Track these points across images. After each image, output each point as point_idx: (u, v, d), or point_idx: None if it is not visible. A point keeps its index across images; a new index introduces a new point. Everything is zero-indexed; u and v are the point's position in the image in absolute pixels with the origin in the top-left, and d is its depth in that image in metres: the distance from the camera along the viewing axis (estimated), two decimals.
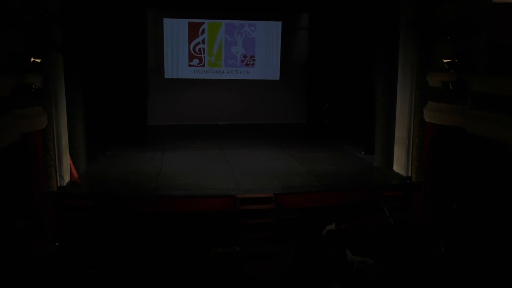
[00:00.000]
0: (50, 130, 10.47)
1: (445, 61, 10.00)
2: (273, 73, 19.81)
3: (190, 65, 19.25)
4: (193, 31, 19.03)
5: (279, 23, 19.41)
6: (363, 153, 14.46)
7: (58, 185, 10.68)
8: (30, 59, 9.10)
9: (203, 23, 18.99)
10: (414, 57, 11.48)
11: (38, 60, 9.28)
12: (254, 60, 19.63)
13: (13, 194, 9.19)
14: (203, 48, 19.23)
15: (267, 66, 19.72)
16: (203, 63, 19.33)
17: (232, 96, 19.61)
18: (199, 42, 19.16)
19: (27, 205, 9.90)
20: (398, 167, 12.29)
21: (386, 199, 11.12)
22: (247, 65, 19.62)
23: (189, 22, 18.88)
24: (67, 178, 11.04)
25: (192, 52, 19.18)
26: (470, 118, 9.98)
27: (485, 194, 9.96)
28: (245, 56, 19.55)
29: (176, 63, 19.14)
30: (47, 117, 10.33)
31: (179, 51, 19.08)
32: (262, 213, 10.47)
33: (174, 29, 18.87)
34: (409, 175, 11.85)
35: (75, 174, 11.33)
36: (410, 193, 11.55)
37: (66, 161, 11.06)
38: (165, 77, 19.11)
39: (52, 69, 10.35)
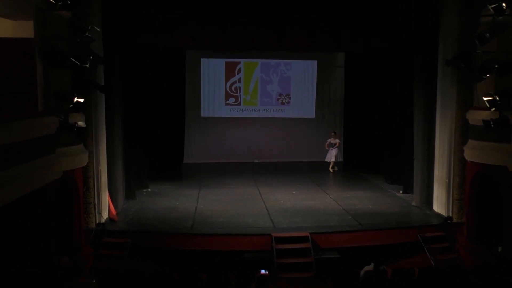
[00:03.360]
0: (91, 167, 10.76)
1: (485, 99, 9.89)
2: (309, 111, 19.90)
3: (226, 104, 19.56)
4: (230, 70, 19.42)
5: (315, 61, 19.61)
6: (401, 192, 14.23)
7: (97, 222, 10.87)
8: (74, 99, 9.45)
9: (239, 62, 19.38)
10: (453, 94, 11.40)
11: (81, 100, 9.60)
12: (290, 98, 19.79)
13: (54, 230, 9.40)
14: (239, 87, 19.56)
15: (302, 104, 19.84)
16: (239, 101, 19.62)
17: (267, 134, 19.73)
18: (235, 81, 19.51)
19: (68, 241, 10.10)
20: (438, 206, 12.02)
21: (427, 240, 10.86)
22: (282, 103, 19.80)
23: (225, 62, 19.29)
24: (105, 215, 11.23)
25: (228, 90, 19.52)
26: None
27: None
28: (280, 95, 19.76)
29: (213, 102, 19.49)
30: (88, 155, 10.63)
31: (216, 90, 19.44)
32: (299, 252, 10.35)
33: (211, 69, 19.30)
34: (450, 215, 11.57)
35: (113, 211, 11.51)
36: (452, 234, 11.26)
37: (105, 198, 11.28)
38: (202, 115, 19.44)
39: (94, 108, 10.73)
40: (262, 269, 9.06)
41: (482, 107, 10.38)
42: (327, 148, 17.86)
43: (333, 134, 17.95)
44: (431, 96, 12.27)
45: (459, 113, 11.34)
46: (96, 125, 10.84)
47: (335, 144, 17.70)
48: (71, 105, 9.42)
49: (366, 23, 12.61)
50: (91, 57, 9.68)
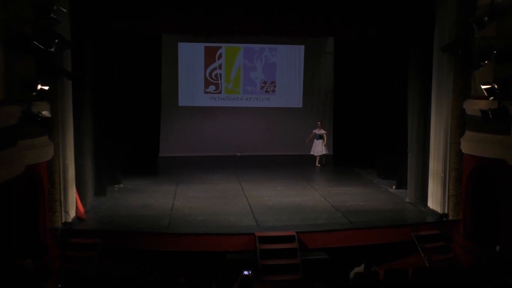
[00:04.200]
0: (57, 161, 10.64)
1: (483, 87, 9.97)
2: (295, 101, 19.92)
3: (205, 92, 19.48)
4: (210, 55, 19.34)
5: (302, 47, 19.60)
6: (394, 187, 14.35)
7: (64, 220, 10.79)
8: (38, 86, 9.32)
9: (220, 47, 19.29)
10: (449, 83, 11.48)
11: (46, 88, 9.49)
12: (275, 86, 19.78)
13: (16, 230, 9.30)
14: (220, 74, 19.49)
15: (288, 93, 19.84)
16: (219, 89, 19.56)
17: (250, 125, 19.72)
18: (216, 67, 19.43)
19: (32, 242, 10.01)
20: (434, 203, 12.15)
21: (421, 238, 10.97)
22: (267, 91, 19.79)
23: (205, 47, 19.19)
24: (72, 214, 11.15)
25: (208, 78, 19.44)
26: None
27: None
28: (265, 82, 19.74)
29: (191, 90, 19.39)
30: (54, 148, 10.52)
31: (195, 77, 19.35)
32: (284, 253, 10.38)
33: (190, 54, 19.18)
34: (446, 212, 11.69)
35: (81, 209, 11.43)
36: (448, 232, 11.39)
37: (72, 195, 11.19)
38: (179, 104, 19.35)
39: (60, 97, 10.60)
40: (245, 270, 9.09)
41: (480, 96, 10.45)
42: (307, 142, 17.88)
43: (319, 124, 17.90)
44: (426, 85, 12.35)
45: (456, 103, 11.43)
46: (63, 115, 10.72)
47: (321, 135, 17.69)
48: (34, 93, 9.32)
49: (358, 7, 12.63)
50: (57, 41, 9.55)
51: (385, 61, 15.34)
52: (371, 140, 16.76)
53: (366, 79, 17.19)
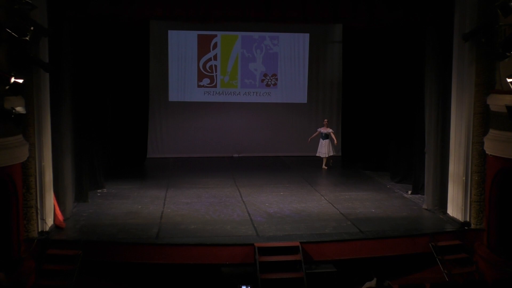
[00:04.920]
0: (32, 163, 10.61)
1: (509, 80, 9.96)
2: (299, 95, 19.93)
3: (199, 86, 19.48)
4: (204, 45, 19.33)
5: (307, 35, 19.61)
6: (409, 192, 14.36)
7: (40, 230, 10.75)
8: (11, 79, 9.29)
9: (216, 35, 19.30)
10: (471, 75, 11.46)
11: (21, 81, 9.46)
12: (277, 79, 19.78)
13: None
14: (215, 66, 19.48)
15: (292, 87, 19.86)
16: (214, 83, 19.55)
17: (249, 122, 19.73)
18: (211, 58, 19.43)
19: (4, 254, 9.98)
20: (454, 210, 12.14)
21: (440, 249, 10.95)
22: (268, 85, 19.78)
23: (198, 35, 19.20)
24: (50, 222, 11.12)
25: (202, 70, 19.43)
26: None
27: None
28: (265, 75, 19.73)
29: (183, 84, 19.39)
30: (29, 148, 10.48)
31: (186, 70, 19.35)
32: (287, 265, 10.37)
33: (181, 43, 19.19)
34: (468, 220, 11.69)
35: (60, 217, 11.40)
36: (470, 242, 11.36)
37: (50, 201, 11.17)
38: (170, 100, 19.35)
39: (36, 91, 10.57)
40: (243, 285, 9.06)
41: (505, 90, 10.46)
42: (309, 141, 17.88)
43: (325, 122, 17.92)
44: (445, 77, 12.34)
45: (479, 97, 11.41)
46: (39, 111, 10.69)
47: (327, 134, 17.67)
48: (7, 87, 9.28)
49: None
50: (32, 28, 9.52)
51: (400, 50, 15.32)
52: (383, 139, 16.74)
53: (378, 71, 17.16)
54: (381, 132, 17.02)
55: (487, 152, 11.34)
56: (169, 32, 19.00)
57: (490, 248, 11.24)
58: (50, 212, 11.17)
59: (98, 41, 14.47)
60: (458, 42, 11.76)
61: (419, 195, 13.85)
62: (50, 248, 10.52)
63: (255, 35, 19.47)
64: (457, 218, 11.96)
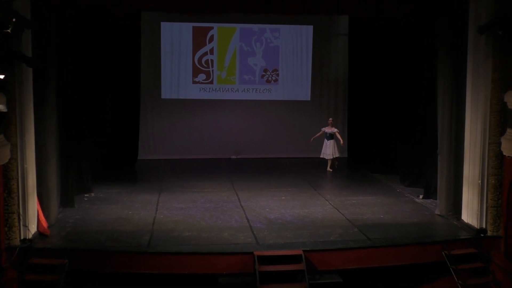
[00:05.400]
0: (14, 166, 10.55)
1: None
2: (302, 92, 19.97)
3: (194, 82, 19.52)
4: (199, 38, 19.35)
5: (310, 27, 19.64)
6: (421, 196, 14.35)
7: (22, 237, 10.72)
8: None
9: (212, 27, 19.33)
10: (488, 70, 11.42)
11: (1, 77, 9.45)
12: (278, 75, 19.80)
13: None
14: (212, 60, 19.50)
15: (294, 83, 19.91)
16: (211, 79, 19.57)
17: (248, 121, 19.77)
18: (207, 52, 19.44)
19: None
20: (469, 215, 12.12)
21: (454, 258, 10.91)
22: (268, 81, 19.79)
23: (193, 27, 19.22)
24: (33, 229, 11.08)
25: (197, 65, 19.45)
26: None
27: None
28: (265, 70, 19.74)
29: (177, 80, 19.43)
30: (10, 149, 10.45)
31: (181, 64, 19.40)
32: (289, 276, 10.34)
33: (175, 36, 19.21)
34: (484, 226, 11.66)
35: (44, 223, 11.37)
36: (486, 251, 11.33)
37: (33, 206, 11.13)
38: (162, 97, 19.37)
39: (19, 87, 10.52)
40: None
41: None
42: (311, 141, 17.86)
43: (330, 121, 17.91)
44: (459, 73, 12.32)
45: (496, 94, 11.38)
46: (22, 109, 10.65)
47: (332, 134, 17.63)
48: None
49: None
50: (14, 20, 9.49)
51: (411, 44, 15.32)
52: (392, 140, 16.73)
53: (387, 66, 17.16)
54: (390, 131, 17.00)
55: (504, 154, 11.31)
56: (162, 24, 19.02)
57: (508, 256, 11.21)
58: (34, 218, 11.12)
59: (86, 34, 14.46)
60: (474, 35, 11.73)
61: (431, 200, 13.83)
62: (34, 257, 10.46)
63: (255, 27, 19.49)
64: (472, 224, 11.93)
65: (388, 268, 10.66)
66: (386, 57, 17.13)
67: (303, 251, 10.63)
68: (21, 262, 10.35)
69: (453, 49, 12.46)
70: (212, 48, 19.47)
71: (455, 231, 11.95)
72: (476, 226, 11.82)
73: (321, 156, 17.80)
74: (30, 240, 10.76)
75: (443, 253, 10.99)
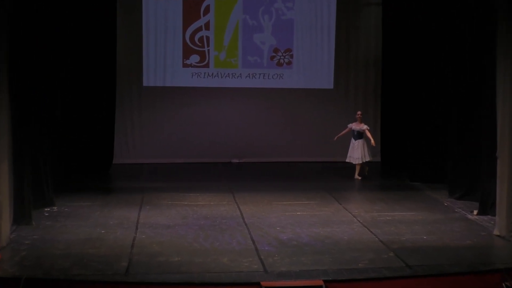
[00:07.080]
0: None
1: None
2: (323, 79, 20.02)
3: (185, 65, 19.56)
4: (191, 10, 19.38)
5: None
6: (475, 212, 14.33)
7: None
8: None
9: None
10: None
11: None
12: (292, 56, 19.84)
13: None
14: (207, 37, 19.52)
15: (312, 67, 19.96)
16: (206, 61, 19.62)
17: (253, 116, 19.78)
18: (201, 27, 19.48)
19: None
20: None
21: None
22: (279, 64, 19.83)
23: None
24: None
25: (189, 43, 19.49)
26: None
27: None
28: (276, 50, 19.79)
29: (163, 62, 19.46)
30: None
31: (168, 43, 19.43)
32: None
33: (161, 9, 19.25)
34: None
35: None
36: None
37: None
38: (145, 84, 19.43)
39: None
40: None
41: None
42: (336, 139, 17.86)
43: (358, 115, 17.86)
44: None
45: None
46: None
47: (361, 132, 17.64)
48: None
49: None
50: None
51: (461, 13, 15.28)
52: (438, 140, 16.73)
53: (431, 45, 17.15)
54: (434, 130, 17.04)
55: None
56: None
57: None
58: None
59: (47, 2, 14.46)
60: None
61: (489, 217, 13.80)
62: None
63: None
64: None
65: None
66: (430, 33, 17.12)
67: (324, 281, 10.59)
68: None
69: None
70: (208, 22, 19.50)
71: None
72: None
73: (347, 160, 17.80)
74: None
75: (504, 284, 10.98)
